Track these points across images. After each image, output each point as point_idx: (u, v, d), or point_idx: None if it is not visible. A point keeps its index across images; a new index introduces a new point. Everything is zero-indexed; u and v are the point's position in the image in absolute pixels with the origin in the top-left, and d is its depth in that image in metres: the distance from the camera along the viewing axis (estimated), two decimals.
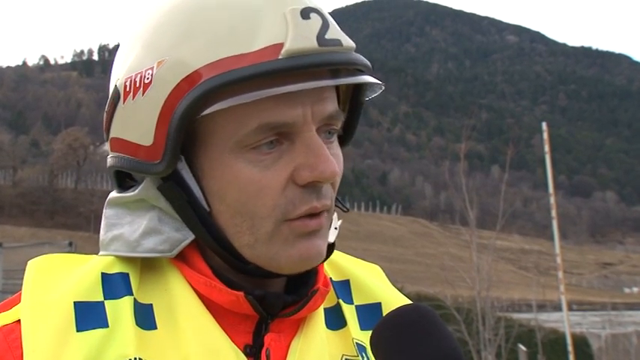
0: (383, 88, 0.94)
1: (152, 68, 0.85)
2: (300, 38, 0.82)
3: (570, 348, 8.92)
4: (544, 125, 9.05)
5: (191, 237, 0.89)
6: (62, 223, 77.17)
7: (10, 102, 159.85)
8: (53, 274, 0.87)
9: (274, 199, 0.85)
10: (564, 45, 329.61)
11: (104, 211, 0.95)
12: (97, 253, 0.94)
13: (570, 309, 11.65)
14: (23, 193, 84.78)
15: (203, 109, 0.82)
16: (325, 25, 0.84)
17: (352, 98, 0.95)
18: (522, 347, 12.10)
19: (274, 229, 0.86)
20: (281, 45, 0.81)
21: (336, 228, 0.96)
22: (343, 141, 0.95)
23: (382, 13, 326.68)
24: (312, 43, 0.82)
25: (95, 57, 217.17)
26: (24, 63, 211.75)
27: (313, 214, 0.87)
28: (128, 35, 0.93)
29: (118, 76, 0.91)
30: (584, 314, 33.29)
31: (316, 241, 0.88)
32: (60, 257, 0.91)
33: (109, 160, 0.94)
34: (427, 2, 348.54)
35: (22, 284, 0.85)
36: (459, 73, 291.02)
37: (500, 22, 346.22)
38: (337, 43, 0.85)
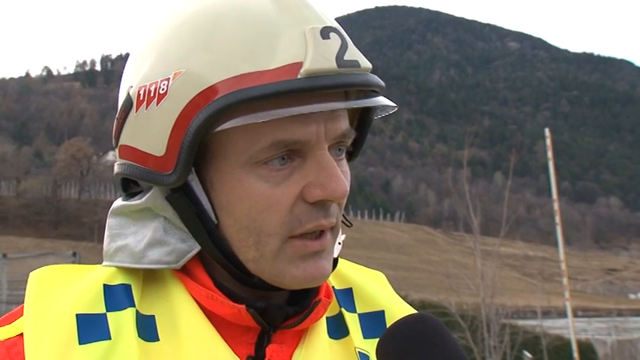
0: (396, 108, 0.93)
1: (168, 79, 0.84)
2: (320, 58, 0.82)
3: (576, 355, 8.88)
4: (547, 131, 9.03)
5: (197, 248, 0.89)
6: (66, 233, 77.18)
7: (14, 113, 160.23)
8: (55, 286, 0.87)
9: (282, 216, 0.85)
10: (566, 51, 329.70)
11: (107, 220, 0.95)
12: (101, 263, 0.94)
13: (575, 315, 11.62)
14: (27, 204, 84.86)
15: (218, 125, 0.81)
16: (344, 46, 0.84)
17: (361, 116, 0.95)
18: (528, 354, 12.09)
19: (279, 247, 0.86)
20: (300, 64, 0.81)
21: (339, 243, 0.95)
22: (350, 156, 0.95)
23: (384, 21, 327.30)
24: (331, 63, 0.82)
25: (98, 67, 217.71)
26: (27, 74, 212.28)
27: (317, 234, 0.87)
28: (142, 41, 0.92)
29: (130, 84, 0.90)
30: (589, 320, 33.16)
31: (321, 262, 0.88)
32: (61, 268, 0.91)
33: (117, 167, 0.93)
34: (429, 10, 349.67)
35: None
36: (461, 80, 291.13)
37: (501, 28, 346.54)
38: (355, 64, 0.85)
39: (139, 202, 0.91)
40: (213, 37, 0.84)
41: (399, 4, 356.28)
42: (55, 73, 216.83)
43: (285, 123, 0.82)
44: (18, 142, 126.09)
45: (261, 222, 0.85)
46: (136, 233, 0.92)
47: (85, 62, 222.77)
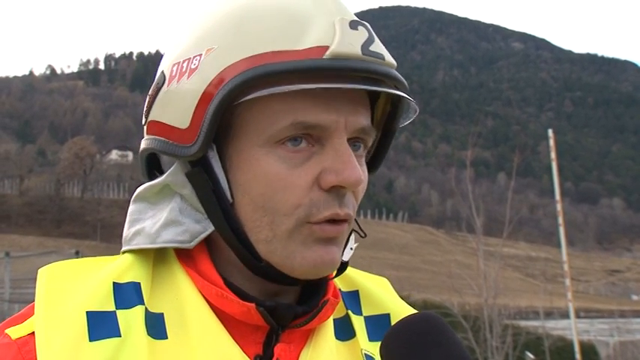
0: (417, 112, 0.95)
1: (200, 55, 0.88)
2: (346, 44, 0.85)
3: (578, 356, 8.86)
4: (550, 132, 9.01)
5: (210, 229, 0.90)
6: (69, 232, 77.25)
7: (17, 111, 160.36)
8: (65, 284, 0.88)
9: (298, 198, 0.86)
10: (570, 52, 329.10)
11: (129, 207, 0.97)
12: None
13: (578, 316, 11.60)
14: (30, 203, 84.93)
15: (242, 97, 0.84)
16: (371, 39, 0.88)
17: (385, 124, 0.97)
18: (530, 355, 12.06)
19: (294, 228, 0.87)
20: (326, 47, 0.84)
21: (352, 248, 0.97)
22: (371, 167, 0.98)
23: (387, 21, 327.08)
24: (356, 50, 0.85)
25: (101, 66, 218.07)
26: (30, 73, 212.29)
27: (334, 221, 0.88)
28: (180, 29, 0.96)
29: (165, 64, 0.94)
30: (591, 321, 33.06)
31: (332, 248, 0.89)
32: (70, 264, 0.92)
33: (143, 143, 0.95)
34: (432, 10, 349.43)
35: (29, 293, 0.94)
36: (464, 81, 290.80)
37: (505, 29, 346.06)
38: (380, 56, 0.88)
39: (159, 180, 0.93)
40: (248, 21, 0.87)
41: (403, 4, 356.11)
42: (58, 71, 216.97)
43: (307, 106, 0.85)
44: (21, 141, 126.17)
45: (277, 202, 0.86)
46: (153, 217, 0.94)
47: (88, 61, 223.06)
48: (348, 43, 0.85)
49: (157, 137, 0.92)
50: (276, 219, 0.86)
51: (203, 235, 0.90)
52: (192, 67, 0.88)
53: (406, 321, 0.84)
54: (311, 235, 0.87)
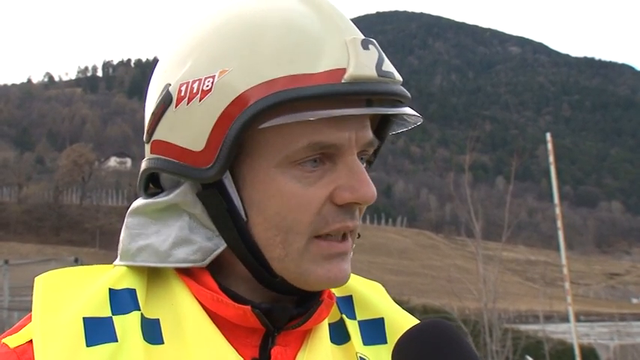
0: (419, 122, 0.97)
1: (213, 77, 0.86)
2: (362, 66, 0.85)
3: (578, 359, 8.86)
4: (548, 136, 9.03)
5: (223, 246, 0.90)
6: (67, 239, 77.17)
7: (15, 119, 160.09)
8: (61, 292, 0.88)
9: (311, 216, 0.87)
10: (567, 56, 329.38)
11: (126, 220, 0.95)
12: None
13: (578, 320, 11.60)
14: (28, 210, 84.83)
15: (264, 122, 0.83)
16: (381, 58, 0.88)
17: (377, 131, 0.97)
18: (530, 359, 12.05)
19: (305, 247, 0.88)
20: (344, 70, 0.85)
21: None
22: None
23: (385, 26, 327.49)
24: (372, 72, 0.86)
25: (99, 73, 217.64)
26: (29, 80, 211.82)
27: (341, 237, 0.90)
28: (181, 41, 0.93)
29: (168, 81, 0.91)
30: (591, 325, 33.07)
31: (344, 265, 0.90)
32: (66, 272, 0.92)
33: (146, 163, 0.93)
34: (430, 15, 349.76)
35: (28, 301, 0.86)
36: (462, 85, 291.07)
37: (502, 33, 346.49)
38: (391, 75, 0.89)
39: (165, 199, 0.91)
40: (261, 39, 0.86)
41: (400, 9, 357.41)
42: (56, 79, 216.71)
43: (321, 127, 0.85)
44: (20, 148, 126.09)
45: (291, 220, 0.86)
46: (158, 233, 0.92)
47: (86, 68, 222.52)
48: (364, 64, 0.85)
49: (164, 157, 0.90)
50: (289, 237, 0.87)
51: (216, 253, 0.90)
52: (205, 88, 0.86)
53: (418, 326, 0.86)
54: (320, 252, 0.88)
